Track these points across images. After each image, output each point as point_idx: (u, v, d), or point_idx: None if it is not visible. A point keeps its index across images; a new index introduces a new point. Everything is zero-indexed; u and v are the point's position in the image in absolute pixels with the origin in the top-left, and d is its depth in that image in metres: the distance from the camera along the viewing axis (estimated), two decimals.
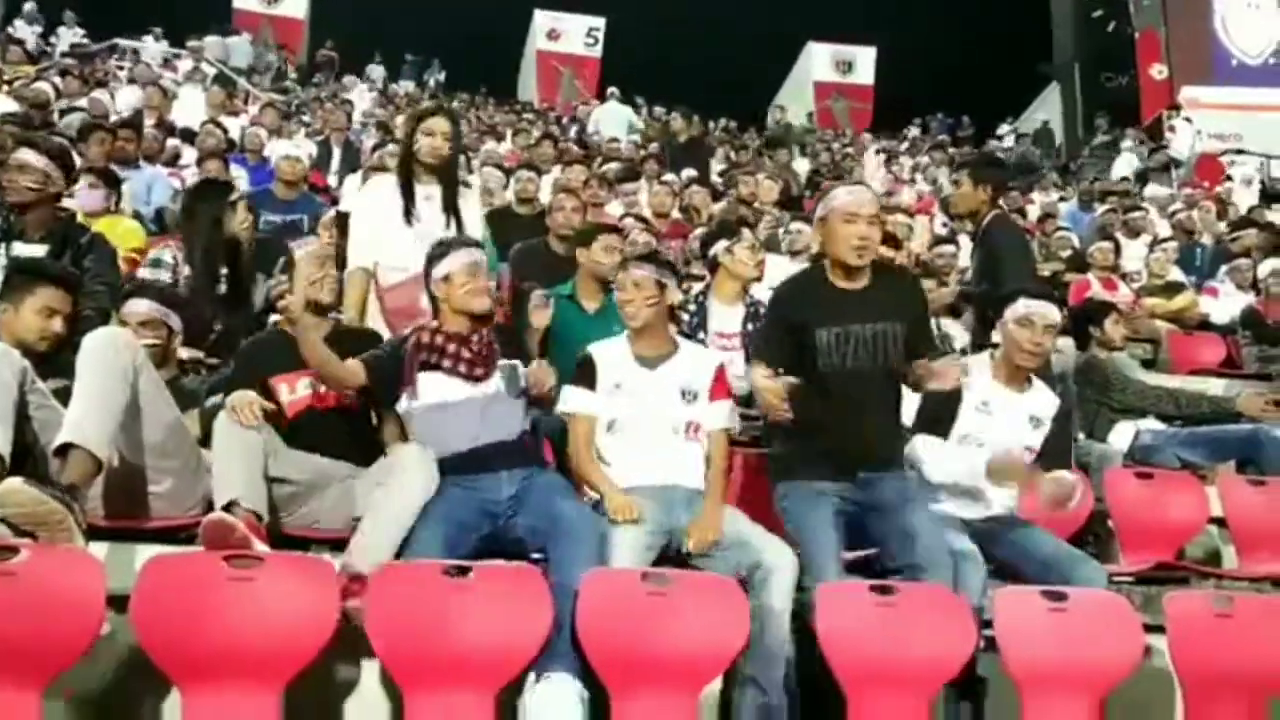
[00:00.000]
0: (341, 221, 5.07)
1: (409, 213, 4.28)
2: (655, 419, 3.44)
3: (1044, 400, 3.80)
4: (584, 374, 3.52)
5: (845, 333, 3.34)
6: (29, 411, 2.97)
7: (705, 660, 2.98)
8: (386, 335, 3.92)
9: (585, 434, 3.46)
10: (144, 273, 4.71)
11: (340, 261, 4.17)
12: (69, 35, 16.04)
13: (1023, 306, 3.75)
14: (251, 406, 3.19)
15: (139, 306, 3.94)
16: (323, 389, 3.50)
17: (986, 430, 3.66)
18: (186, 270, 4.80)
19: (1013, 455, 3.55)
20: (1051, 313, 3.78)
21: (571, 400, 3.50)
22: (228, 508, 2.98)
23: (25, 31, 15.12)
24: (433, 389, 3.38)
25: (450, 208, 4.32)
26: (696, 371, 3.54)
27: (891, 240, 5.50)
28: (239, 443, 3.11)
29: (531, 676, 2.87)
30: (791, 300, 3.50)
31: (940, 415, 3.64)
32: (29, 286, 3.45)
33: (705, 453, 3.49)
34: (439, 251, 3.55)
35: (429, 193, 4.33)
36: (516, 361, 3.48)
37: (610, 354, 3.57)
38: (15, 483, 2.60)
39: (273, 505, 3.23)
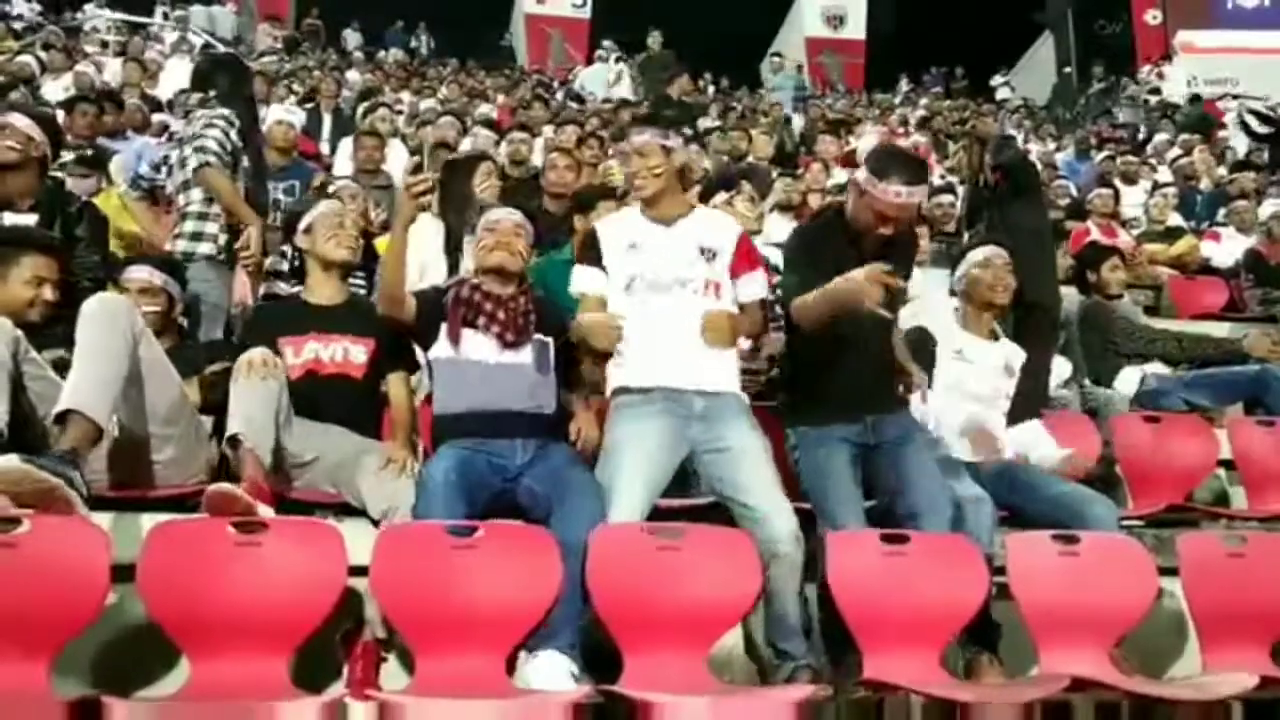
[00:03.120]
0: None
1: None
2: (673, 276, 3.24)
3: (1011, 350, 3.92)
4: (587, 250, 3.36)
5: None
6: (25, 382, 2.94)
7: (716, 613, 2.97)
8: None
9: (608, 334, 3.26)
10: (214, 133, 4.61)
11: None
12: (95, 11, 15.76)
13: (982, 251, 3.91)
14: (264, 361, 3.18)
15: (138, 273, 3.90)
16: (325, 358, 3.46)
17: (968, 378, 3.74)
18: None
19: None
20: (998, 249, 3.92)
21: (578, 280, 3.35)
22: (233, 442, 3.01)
23: (22, 8, 14.81)
24: (465, 345, 3.34)
25: None
26: (715, 231, 3.35)
27: None
28: (250, 389, 3.11)
29: (523, 654, 2.84)
30: (814, 244, 3.41)
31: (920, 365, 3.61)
32: (14, 256, 3.37)
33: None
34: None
35: None
36: (551, 339, 3.41)
37: (618, 222, 3.42)
38: (12, 460, 2.57)
39: (287, 469, 3.24)
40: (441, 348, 3.37)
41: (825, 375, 3.31)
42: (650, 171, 3.31)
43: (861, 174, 3.28)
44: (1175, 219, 8.66)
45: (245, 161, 4.74)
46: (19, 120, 4.09)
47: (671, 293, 3.24)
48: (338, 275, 3.63)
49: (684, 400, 3.19)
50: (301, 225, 3.63)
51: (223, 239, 4.59)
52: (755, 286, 3.37)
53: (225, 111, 4.71)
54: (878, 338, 3.31)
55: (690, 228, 3.32)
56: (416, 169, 3.28)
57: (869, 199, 3.22)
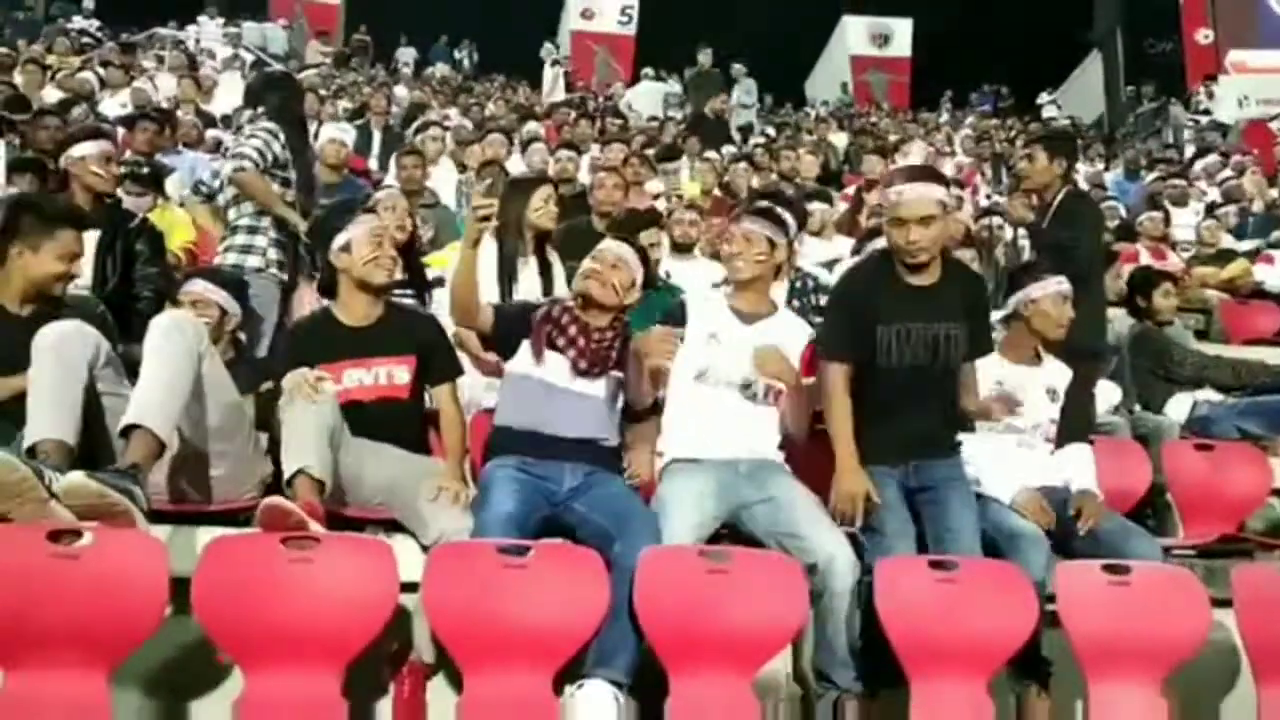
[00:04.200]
0: None
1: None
2: (742, 377, 3.36)
3: (1057, 371, 3.82)
4: (674, 319, 3.44)
5: (906, 331, 3.28)
6: (99, 392, 2.99)
7: (763, 638, 2.96)
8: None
9: (665, 348, 3.29)
10: (254, 142, 4.75)
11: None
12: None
13: (1052, 285, 3.77)
14: (310, 383, 3.18)
15: (193, 286, 4.01)
16: (369, 383, 3.46)
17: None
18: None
19: None
20: (1066, 284, 3.80)
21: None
22: (294, 476, 3.00)
23: (84, 24, 15.08)
24: (545, 364, 3.37)
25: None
26: (790, 337, 3.46)
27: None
28: (304, 414, 3.11)
29: (569, 688, 2.86)
30: (858, 291, 3.41)
31: None
32: (48, 230, 3.33)
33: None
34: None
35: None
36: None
37: (705, 304, 3.54)
38: (78, 477, 2.62)
39: (340, 488, 3.25)
40: (522, 363, 3.39)
41: (869, 420, 3.31)
42: (755, 258, 3.46)
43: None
44: (1227, 240, 8.56)
45: (293, 175, 4.83)
46: (110, 148, 4.28)
47: (736, 392, 3.38)
48: (373, 293, 3.55)
49: (731, 464, 3.31)
50: (338, 243, 3.53)
51: (273, 253, 4.68)
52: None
53: (269, 125, 4.83)
54: (927, 385, 3.32)
55: (767, 331, 3.44)
56: (489, 191, 3.29)
57: (886, 220, 3.34)
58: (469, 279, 3.32)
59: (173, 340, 3.00)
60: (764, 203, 4.87)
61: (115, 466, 2.79)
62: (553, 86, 15.62)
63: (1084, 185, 10.96)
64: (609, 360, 3.40)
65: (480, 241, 3.31)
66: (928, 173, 3.49)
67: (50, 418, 2.83)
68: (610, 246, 3.54)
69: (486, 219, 3.23)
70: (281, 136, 4.78)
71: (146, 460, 2.84)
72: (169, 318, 3.15)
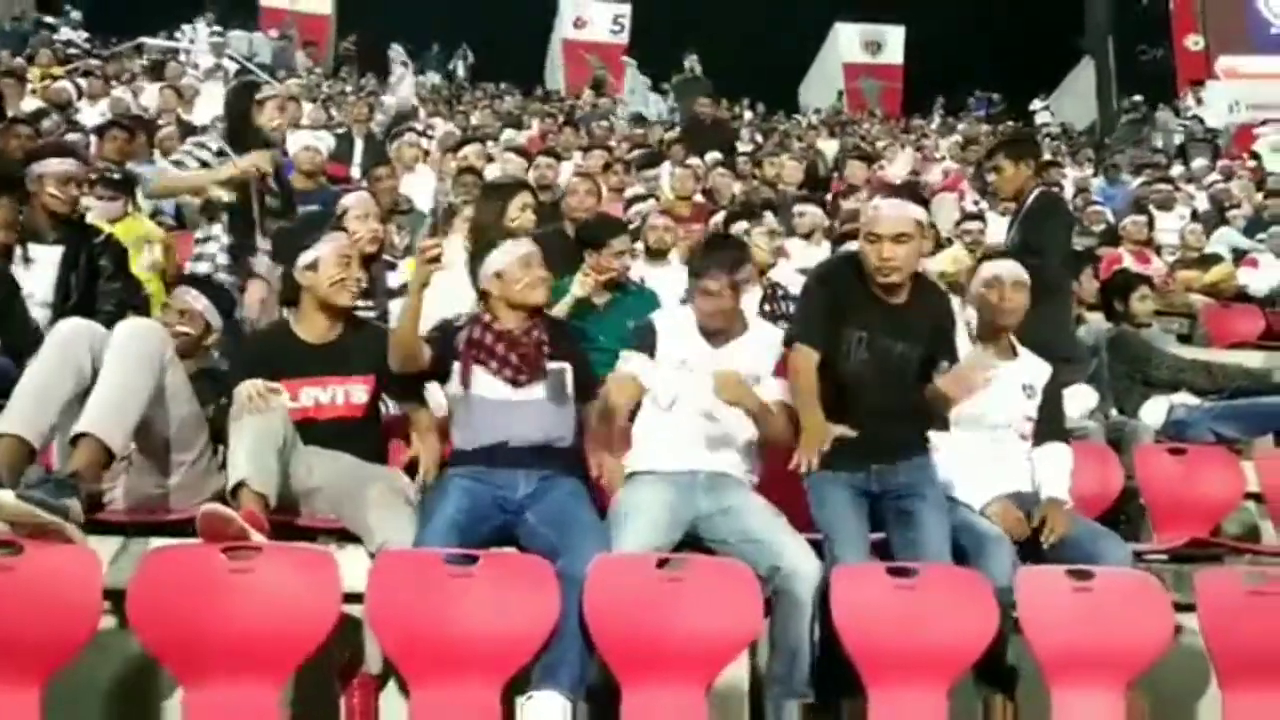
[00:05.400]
0: None
1: None
2: (712, 403, 3.26)
3: (1035, 369, 3.73)
4: (644, 341, 3.40)
5: (871, 341, 3.26)
6: None
7: (717, 647, 2.91)
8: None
9: (630, 395, 3.32)
10: (187, 153, 4.73)
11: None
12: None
13: (986, 270, 3.75)
14: (261, 393, 3.13)
15: (183, 294, 3.87)
16: (325, 401, 3.41)
17: (981, 403, 3.53)
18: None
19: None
20: (1017, 270, 3.74)
21: (627, 363, 3.37)
22: (237, 489, 2.96)
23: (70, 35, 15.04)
24: (476, 384, 3.30)
25: None
26: (759, 354, 3.40)
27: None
28: (251, 426, 3.06)
29: (519, 700, 2.81)
30: (832, 288, 3.36)
31: None
32: None
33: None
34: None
35: None
36: (566, 365, 3.37)
37: (674, 326, 3.44)
38: (8, 498, 2.55)
39: (292, 497, 3.21)
40: (454, 386, 3.34)
41: (831, 422, 3.25)
42: (720, 308, 3.35)
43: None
44: (1232, 240, 8.56)
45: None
46: (78, 170, 4.30)
47: (706, 417, 3.31)
48: (335, 313, 3.50)
49: (690, 475, 3.27)
50: (304, 260, 3.47)
51: (221, 259, 4.61)
52: (777, 391, 3.37)
53: (198, 138, 4.87)
54: (888, 386, 3.28)
55: (737, 353, 3.37)
56: (433, 230, 3.19)
57: (862, 235, 3.30)
58: (413, 328, 3.25)
59: (134, 348, 2.96)
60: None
61: (54, 475, 2.74)
62: (397, 88, 14.99)
63: (1070, 188, 11.00)
64: (541, 360, 3.32)
65: (428, 284, 3.21)
66: (907, 192, 3.47)
67: (24, 412, 2.80)
68: (530, 246, 3.43)
69: (434, 260, 3.13)
70: (214, 145, 4.69)
71: (91, 469, 2.80)
72: (133, 325, 3.11)
